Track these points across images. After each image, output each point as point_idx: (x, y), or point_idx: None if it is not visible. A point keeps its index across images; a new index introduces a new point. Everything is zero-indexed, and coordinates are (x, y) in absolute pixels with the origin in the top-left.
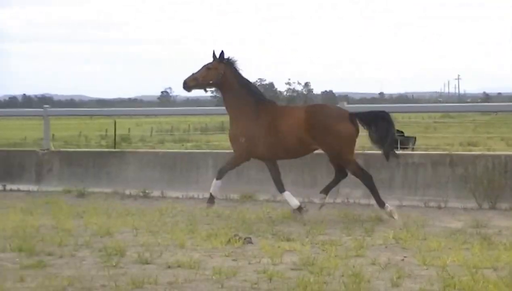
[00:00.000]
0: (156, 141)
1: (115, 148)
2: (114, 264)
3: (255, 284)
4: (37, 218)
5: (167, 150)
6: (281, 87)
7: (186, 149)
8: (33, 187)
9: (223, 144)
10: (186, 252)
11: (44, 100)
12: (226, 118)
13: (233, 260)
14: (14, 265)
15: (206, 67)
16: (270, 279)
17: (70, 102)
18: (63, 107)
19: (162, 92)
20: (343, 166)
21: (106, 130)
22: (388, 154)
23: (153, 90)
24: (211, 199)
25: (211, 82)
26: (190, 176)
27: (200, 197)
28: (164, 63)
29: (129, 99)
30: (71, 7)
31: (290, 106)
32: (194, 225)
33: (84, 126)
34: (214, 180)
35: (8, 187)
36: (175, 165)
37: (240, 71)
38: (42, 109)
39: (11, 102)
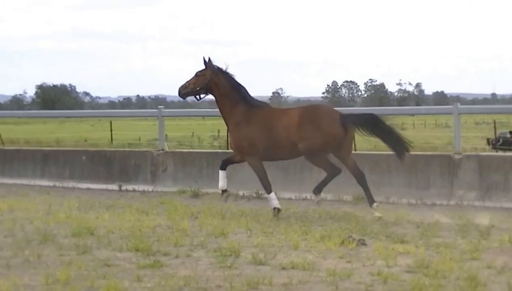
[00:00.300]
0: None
1: (227, 148)
2: (229, 265)
3: (370, 286)
4: (153, 218)
5: None
6: (392, 88)
7: None
8: (148, 187)
9: None
10: (300, 253)
11: (157, 101)
12: None
13: (347, 262)
14: (131, 265)
15: (196, 75)
16: (385, 282)
17: (184, 103)
18: (175, 108)
19: (273, 92)
20: (315, 165)
21: (219, 131)
22: (401, 154)
23: (264, 91)
24: (225, 192)
25: (198, 88)
26: (303, 177)
27: (313, 198)
28: (275, 64)
29: None
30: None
31: (286, 108)
32: (308, 226)
33: (196, 127)
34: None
35: (124, 187)
36: (288, 165)
37: (231, 76)
38: (156, 110)
39: (126, 103)
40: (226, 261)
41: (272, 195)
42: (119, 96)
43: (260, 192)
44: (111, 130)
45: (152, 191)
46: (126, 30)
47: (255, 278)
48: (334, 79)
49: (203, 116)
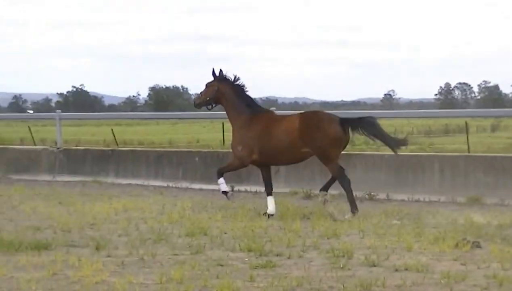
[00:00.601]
0: (380, 144)
1: None
2: (341, 266)
3: (485, 289)
4: (265, 218)
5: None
6: (506, 89)
7: (411, 151)
8: (260, 188)
9: (447, 147)
10: (413, 255)
11: (268, 103)
12: (450, 121)
13: (462, 264)
14: (244, 265)
15: (206, 86)
16: (500, 284)
17: (294, 105)
18: (286, 110)
19: (385, 94)
20: (325, 165)
21: None
22: (395, 148)
23: (376, 93)
24: (230, 195)
25: (208, 98)
26: (416, 179)
27: (427, 200)
28: (387, 66)
29: (352, 102)
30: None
31: (287, 114)
32: (421, 228)
33: None
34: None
35: (236, 187)
36: (400, 167)
37: (236, 86)
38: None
39: None
40: (338, 262)
41: (221, 179)
42: None
43: (372, 193)
44: (223, 132)
45: (265, 192)
46: (237, 34)
47: (368, 279)
48: (447, 81)
49: None
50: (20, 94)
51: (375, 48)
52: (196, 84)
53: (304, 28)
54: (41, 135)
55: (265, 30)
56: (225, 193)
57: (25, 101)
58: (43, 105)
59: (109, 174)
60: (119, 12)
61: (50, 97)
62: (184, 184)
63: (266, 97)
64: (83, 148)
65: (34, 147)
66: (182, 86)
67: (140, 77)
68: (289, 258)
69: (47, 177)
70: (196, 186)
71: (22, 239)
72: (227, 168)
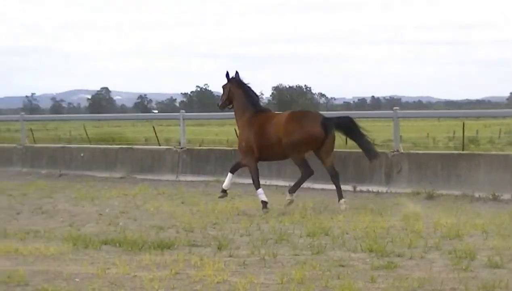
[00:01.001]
0: (505, 143)
1: (463, 150)
2: (464, 268)
3: None
4: (387, 219)
5: None
6: None
7: None
8: (382, 189)
9: None
10: None
11: (392, 102)
12: None
13: None
14: (365, 266)
15: (222, 88)
16: None
17: (418, 104)
18: (410, 109)
19: (511, 93)
20: (291, 156)
21: (454, 132)
22: (370, 154)
23: (501, 92)
24: (224, 192)
25: (224, 99)
26: None
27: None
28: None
29: (477, 100)
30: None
31: (281, 113)
32: None
33: (431, 128)
34: (229, 174)
35: (358, 188)
36: None
37: (245, 86)
38: (391, 111)
39: (360, 104)
40: (461, 263)
41: (260, 190)
42: (353, 97)
43: (496, 194)
44: None
45: (386, 192)
46: (356, 33)
47: (491, 281)
48: None
49: (438, 117)
50: (145, 94)
51: (503, 45)
52: (318, 84)
53: (429, 25)
54: (165, 135)
55: (384, 28)
56: (264, 203)
57: (150, 101)
58: (168, 105)
59: None
60: (240, 12)
61: (174, 97)
62: (306, 184)
63: (390, 97)
64: (206, 147)
65: (158, 146)
66: (305, 85)
67: (264, 77)
68: (410, 259)
69: (170, 177)
70: (318, 186)
71: (146, 238)
72: (252, 176)
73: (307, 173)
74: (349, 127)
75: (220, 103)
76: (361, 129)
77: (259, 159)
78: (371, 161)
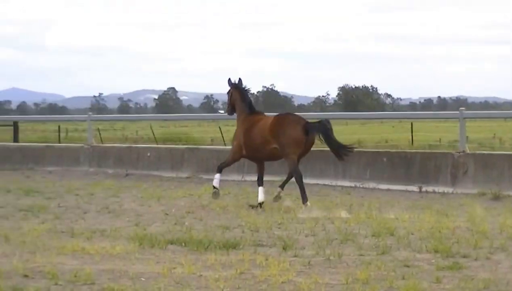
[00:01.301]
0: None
1: None
2: None
3: None
4: (452, 219)
5: None
6: None
7: None
8: (448, 189)
9: None
10: None
11: (458, 103)
12: None
13: None
14: (430, 266)
15: (227, 94)
16: None
17: (484, 105)
18: (476, 109)
19: None
20: (285, 160)
21: None
22: (340, 154)
23: None
24: (216, 192)
25: (228, 104)
26: None
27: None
28: None
29: None
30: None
31: (269, 115)
32: None
33: (498, 129)
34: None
35: (424, 188)
36: None
37: (242, 91)
38: (457, 112)
39: (426, 104)
40: None
41: (218, 175)
42: (420, 98)
43: None
44: (412, 132)
45: (452, 193)
46: (421, 33)
47: None
48: None
49: (505, 117)
50: (211, 94)
51: None
52: (385, 84)
53: (496, 24)
54: (231, 135)
55: (450, 28)
56: (215, 188)
57: (216, 101)
58: None
59: None
60: (303, 14)
61: None
62: (371, 184)
63: (456, 97)
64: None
65: (223, 147)
66: (371, 86)
67: (329, 77)
68: (476, 259)
69: (236, 177)
70: (384, 186)
71: (211, 238)
72: (225, 163)
73: (296, 175)
74: (325, 130)
75: (227, 109)
76: (332, 133)
77: (246, 158)
78: (341, 158)
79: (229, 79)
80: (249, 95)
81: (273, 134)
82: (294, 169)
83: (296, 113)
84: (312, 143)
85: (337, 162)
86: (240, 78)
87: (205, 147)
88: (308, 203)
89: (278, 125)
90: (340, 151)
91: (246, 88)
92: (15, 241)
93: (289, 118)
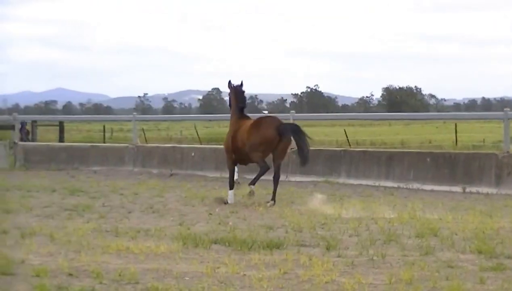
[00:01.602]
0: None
1: None
2: None
3: None
4: (496, 220)
5: None
6: None
7: None
8: (492, 190)
9: None
10: None
11: (503, 103)
12: None
13: None
14: (474, 267)
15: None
16: None
17: None
18: None
19: None
20: (251, 157)
21: None
22: (306, 158)
23: None
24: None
25: (229, 105)
26: None
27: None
28: None
29: None
30: None
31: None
32: None
33: None
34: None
35: (468, 189)
36: None
37: (238, 92)
38: (502, 113)
39: (470, 105)
40: None
41: (231, 192)
42: (464, 98)
43: None
44: (456, 133)
45: (496, 194)
46: (473, 34)
47: None
48: None
49: None
50: (256, 95)
51: None
52: (430, 85)
53: None
54: None
55: (494, 28)
56: (225, 203)
57: (261, 101)
58: (278, 105)
59: (341, 174)
60: (347, 13)
61: (285, 97)
62: (415, 185)
63: (501, 98)
64: (315, 148)
65: None
66: (415, 86)
67: (374, 77)
68: None
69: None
70: (427, 187)
71: (255, 237)
72: (229, 175)
73: (264, 168)
74: (296, 133)
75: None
76: (307, 137)
77: (238, 162)
78: (305, 163)
79: (229, 81)
80: (245, 100)
81: (248, 137)
82: (261, 161)
83: (275, 116)
84: (288, 144)
85: (381, 162)
86: (242, 81)
87: None
88: (253, 186)
89: (254, 128)
90: (307, 155)
91: (243, 92)
92: (60, 240)
93: (265, 120)
